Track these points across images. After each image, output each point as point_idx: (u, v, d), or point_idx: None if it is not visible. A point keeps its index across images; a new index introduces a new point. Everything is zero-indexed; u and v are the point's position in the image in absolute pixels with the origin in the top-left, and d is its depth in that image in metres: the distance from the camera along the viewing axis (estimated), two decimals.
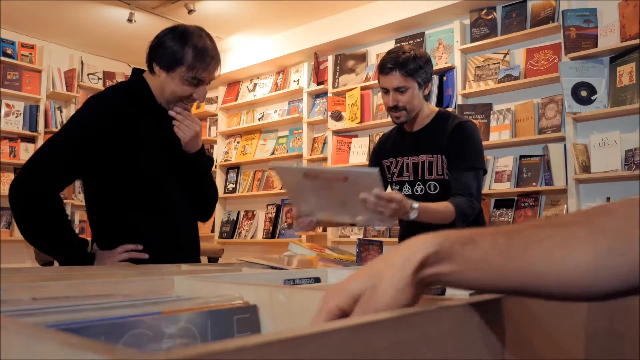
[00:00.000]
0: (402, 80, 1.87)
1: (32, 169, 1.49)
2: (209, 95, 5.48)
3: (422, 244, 0.49)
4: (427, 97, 1.99)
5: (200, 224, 1.84)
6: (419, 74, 1.89)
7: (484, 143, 2.69)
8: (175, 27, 1.60)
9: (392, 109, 1.92)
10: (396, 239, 2.15)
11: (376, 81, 4.13)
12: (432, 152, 1.91)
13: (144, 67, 1.65)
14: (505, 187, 3.43)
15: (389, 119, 4.12)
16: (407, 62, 1.88)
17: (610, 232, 0.46)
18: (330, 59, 4.50)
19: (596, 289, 0.46)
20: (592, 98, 3.12)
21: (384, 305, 0.48)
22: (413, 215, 1.61)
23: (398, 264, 0.49)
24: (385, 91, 1.92)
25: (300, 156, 4.62)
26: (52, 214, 1.51)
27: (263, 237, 4.74)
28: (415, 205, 1.60)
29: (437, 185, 1.89)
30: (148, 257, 1.52)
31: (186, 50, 1.52)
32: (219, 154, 5.29)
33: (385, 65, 1.90)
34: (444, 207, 1.71)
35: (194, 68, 1.52)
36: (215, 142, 5.34)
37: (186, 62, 1.52)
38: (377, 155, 2.10)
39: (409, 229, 1.97)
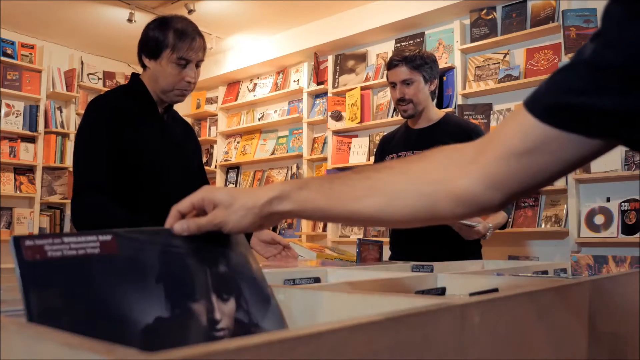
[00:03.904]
0: (408, 73, 1.99)
1: (79, 186, 1.53)
2: (209, 95, 5.48)
3: (271, 188, 0.68)
4: (433, 98, 2.07)
5: None
6: (424, 69, 2.01)
7: None
8: (157, 17, 1.69)
9: (400, 102, 2.03)
10: None
11: (376, 81, 4.16)
12: None
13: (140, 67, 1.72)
14: None
15: (389, 119, 4.14)
16: (414, 57, 2.01)
17: (410, 174, 0.66)
18: (330, 59, 4.49)
19: (394, 218, 0.66)
20: None
21: (231, 220, 0.65)
22: (489, 236, 1.89)
23: (252, 197, 0.67)
24: (393, 85, 2.04)
25: (300, 156, 4.62)
26: (110, 209, 1.52)
27: None
28: (490, 229, 1.88)
29: None
30: None
31: (167, 34, 1.61)
32: (219, 154, 5.29)
33: (393, 60, 2.03)
34: (502, 216, 1.98)
35: (177, 48, 1.60)
36: (215, 142, 5.34)
37: (169, 44, 1.60)
38: (381, 154, 2.17)
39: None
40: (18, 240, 0.49)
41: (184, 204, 0.67)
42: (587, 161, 0.60)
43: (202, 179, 1.84)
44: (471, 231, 1.81)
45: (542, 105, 0.57)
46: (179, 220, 0.65)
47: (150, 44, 1.62)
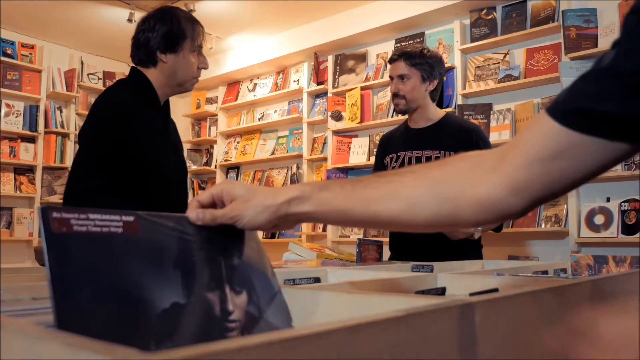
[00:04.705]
0: (404, 69, 2.02)
1: (86, 186, 1.50)
2: (209, 95, 5.48)
3: (292, 188, 0.68)
4: (434, 98, 2.07)
5: None
6: (422, 66, 2.03)
7: None
8: (152, 14, 1.65)
9: (394, 96, 2.06)
10: None
11: (376, 81, 4.16)
12: (439, 149, 2.00)
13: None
14: None
15: (389, 119, 4.14)
16: (413, 53, 2.04)
17: (433, 179, 0.66)
18: (330, 59, 4.49)
19: (415, 223, 0.66)
20: None
21: (246, 215, 0.65)
22: (477, 235, 1.87)
23: (271, 195, 0.66)
24: (392, 79, 2.08)
25: (300, 156, 4.62)
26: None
27: (263, 237, 4.74)
28: (479, 229, 1.84)
29: None
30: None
31: (182, 25, 1.62)
32: (219, 154, 5.29)
33: (393, 54, 2.09)
34: None
35: (196, 36, 1.64)
36: (215, 142, 5.34)
37: (188, 34, 1.63)
38: (382, 154, 2.16)
39: None
40: (46, 211, 0.50)
41: (204, 195, 0.68)
42: (609, 167, 0.60)
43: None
44: (457, 230, 1.78)
45: (564, 110, 0.59)
46: (196, 209, 0.66)
47: (168, 39, 1.60)
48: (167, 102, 1.73)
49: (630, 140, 0.57)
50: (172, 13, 1.63)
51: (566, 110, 0.58)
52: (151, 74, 1.64)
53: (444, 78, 3.74)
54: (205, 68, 1.70)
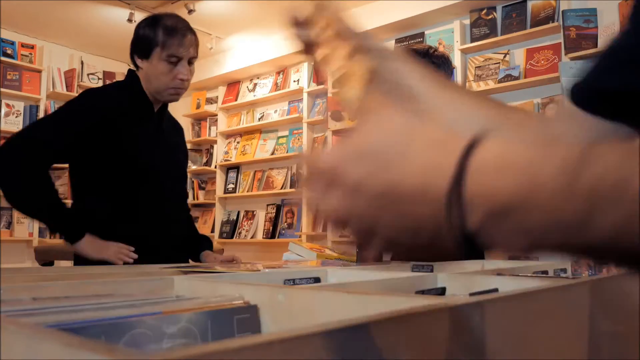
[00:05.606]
0: None
1: (27, 137, 1.51)
2: (209, 95, 5.48)
3: None
4: None
5: (199, 224, 1.88)
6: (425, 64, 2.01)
7: None
8: (147, 16, 1.68)
9: None
10: None
11: None
12: None
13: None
14: None
15: None
16: (418, 51, 2.07)
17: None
18: None
19: None
20: None
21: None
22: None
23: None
24: None
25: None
26: (42, 186, 1.51)
27: (263, 237, 4.74)
28: None
29: None
30: (137, 257, 1.52)
31: (157, 32, 1.58)
32: (219, 154, 5.29)
33: None
34: None
35: (167, 45, 1.57)
36: (215, 142, 5.34)
37: (159, 42, 1.58)
38: None
39: None
40: None
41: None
42: None
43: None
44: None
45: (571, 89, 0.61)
46: None
47: (141, 44, 1.61)
48: (165, 106, 1.73)
49: (626, 119, 0.57)
50: (154, 19, 1.63)
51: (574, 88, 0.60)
52: (140, 75, 1.67)
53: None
54: (184, 80, 1.62)
